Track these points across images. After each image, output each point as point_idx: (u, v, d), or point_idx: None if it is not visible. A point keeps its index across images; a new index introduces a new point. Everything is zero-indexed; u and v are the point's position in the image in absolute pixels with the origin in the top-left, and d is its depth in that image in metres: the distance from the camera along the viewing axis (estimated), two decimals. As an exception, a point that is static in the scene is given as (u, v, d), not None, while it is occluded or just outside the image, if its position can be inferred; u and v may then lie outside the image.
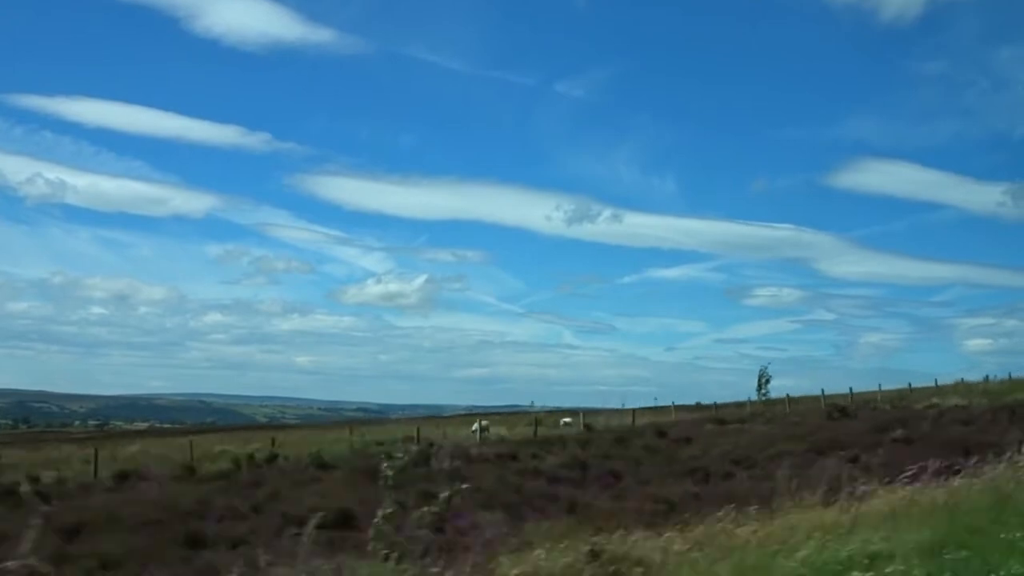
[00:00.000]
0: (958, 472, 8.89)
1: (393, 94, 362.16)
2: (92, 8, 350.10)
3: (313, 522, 5.54)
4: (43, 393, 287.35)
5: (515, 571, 5.84)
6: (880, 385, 49.33)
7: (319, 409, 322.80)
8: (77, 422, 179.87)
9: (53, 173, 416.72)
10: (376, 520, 5.33)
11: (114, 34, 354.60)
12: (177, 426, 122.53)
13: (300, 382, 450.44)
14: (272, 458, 28.47)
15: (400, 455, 5.75)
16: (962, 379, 48.90)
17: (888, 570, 5.27)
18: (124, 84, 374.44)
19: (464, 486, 5.82)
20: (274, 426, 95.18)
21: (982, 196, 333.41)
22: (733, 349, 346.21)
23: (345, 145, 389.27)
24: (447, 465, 7.48)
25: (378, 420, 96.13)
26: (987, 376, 49.12)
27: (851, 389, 45.48)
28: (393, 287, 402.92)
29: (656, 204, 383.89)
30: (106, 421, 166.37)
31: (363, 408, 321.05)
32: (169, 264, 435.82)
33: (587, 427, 38.78)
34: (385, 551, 5.24)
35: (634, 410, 45.38)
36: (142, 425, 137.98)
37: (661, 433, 31.19)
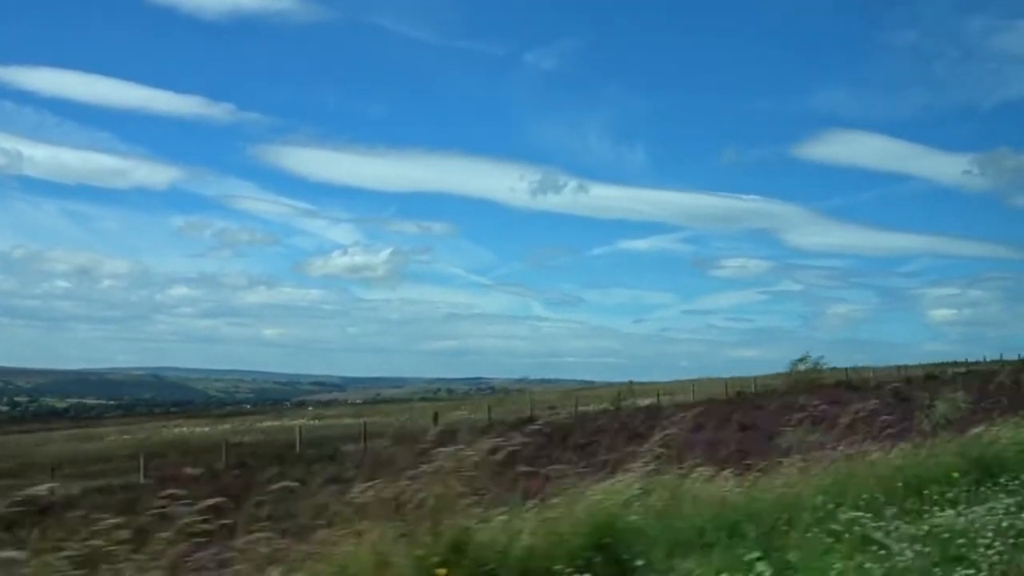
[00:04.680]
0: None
1: (359, 64, 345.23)
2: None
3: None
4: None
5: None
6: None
7: (275, 383, 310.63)
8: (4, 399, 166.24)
9: (10, 144, 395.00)
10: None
11: (69, 1, 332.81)
12: (109, 403, 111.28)
13: (258, 355, 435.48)
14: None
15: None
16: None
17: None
18: (83, 53, 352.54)
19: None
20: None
21: (949, 167, 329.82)
22: (701, 320, 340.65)
23: (310, 115, 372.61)
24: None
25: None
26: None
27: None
28: (360, 259, 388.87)
29: (626, 175, 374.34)
30: (36, 398, 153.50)
31: (320, 382, 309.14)
32: (133, 236, 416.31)
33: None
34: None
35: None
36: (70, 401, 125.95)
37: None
